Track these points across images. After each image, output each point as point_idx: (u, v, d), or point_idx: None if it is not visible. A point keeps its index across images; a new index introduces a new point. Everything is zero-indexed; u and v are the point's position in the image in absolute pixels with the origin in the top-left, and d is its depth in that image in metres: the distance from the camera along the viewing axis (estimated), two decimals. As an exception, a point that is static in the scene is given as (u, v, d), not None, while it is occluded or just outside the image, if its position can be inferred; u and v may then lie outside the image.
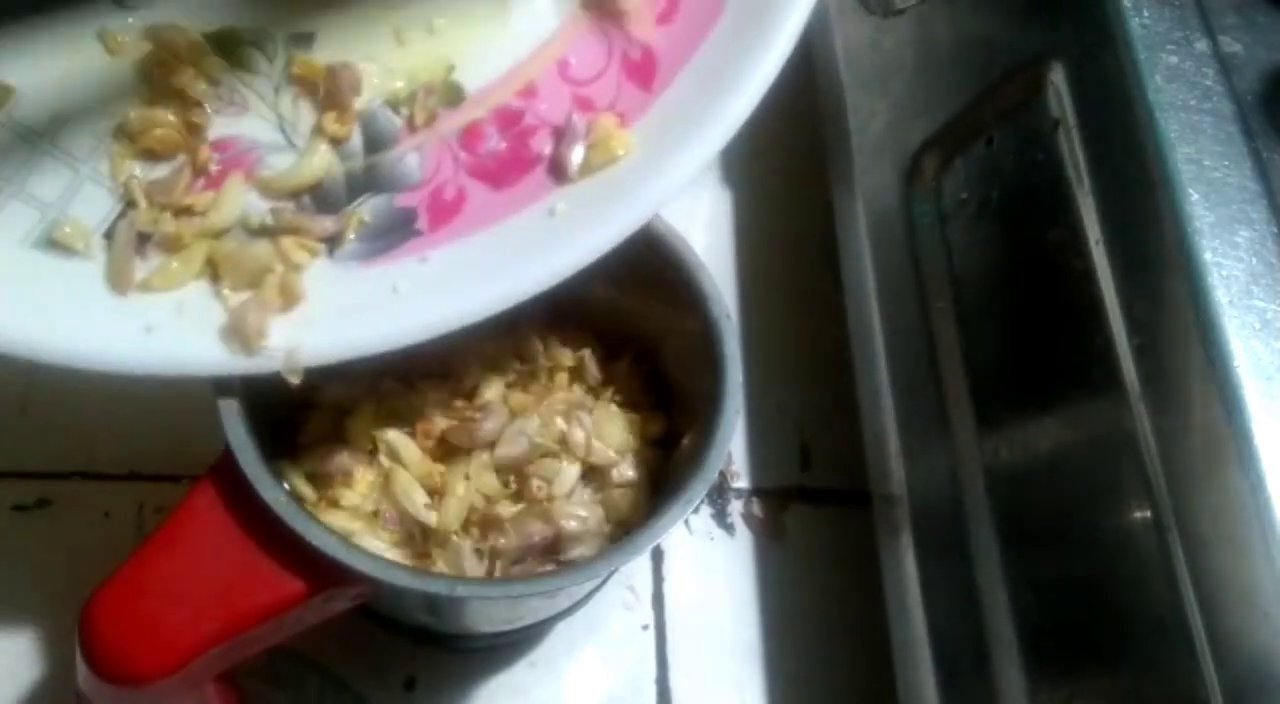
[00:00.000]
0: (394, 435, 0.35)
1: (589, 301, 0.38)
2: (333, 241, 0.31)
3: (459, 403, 0.36)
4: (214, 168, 0.31)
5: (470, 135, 0.32)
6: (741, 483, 0.45)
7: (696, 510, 0.44)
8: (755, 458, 0.46)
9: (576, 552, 0.35)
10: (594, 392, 0.38)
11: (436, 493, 0.35)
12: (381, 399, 0.36)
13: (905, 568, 0.37)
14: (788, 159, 0.52)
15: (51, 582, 0.40)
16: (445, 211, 0.32)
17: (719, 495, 0.45)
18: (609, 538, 0.35)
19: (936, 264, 0.40)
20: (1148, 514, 0.30)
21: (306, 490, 0.34)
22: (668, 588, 0.43)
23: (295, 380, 0.30)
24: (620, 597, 0.43)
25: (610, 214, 0.30)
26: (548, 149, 0.32)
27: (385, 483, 0.35)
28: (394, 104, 0.32)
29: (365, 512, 0.34)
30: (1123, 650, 0.31)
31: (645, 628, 0.42)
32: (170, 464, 0.42)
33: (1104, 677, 0.31)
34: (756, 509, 0.45)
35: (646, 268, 0.35)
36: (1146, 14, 0.33)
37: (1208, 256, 0.30)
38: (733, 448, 0.45)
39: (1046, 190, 0.35)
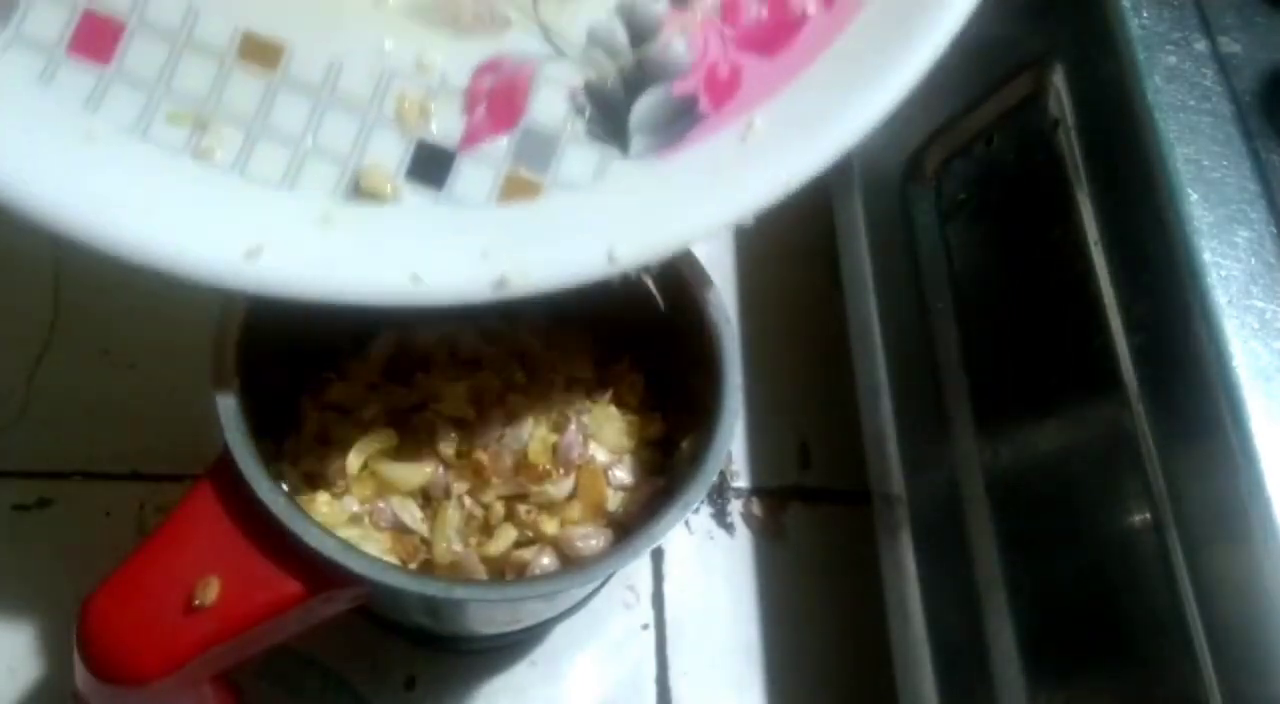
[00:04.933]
0: (386, 439, 0.35)
1: (588, 304, 0.38)
2: (621, 142, 0.32)
3: (458, 406, 0.36)
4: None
5: (730, 9, 0.32)
6: (741, 482, 0.45)
7: (696, 510, 0.44)
8: (755, 457, 0.46)
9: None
10: (593, 393, 0.38)
11: (434, 499, 0.35)
12: (379, 401, 0.36)
13: (905, 568, 0.37)
14: (788, 159, 0.52)
15: (51, 582, 0.40)
16: (724, 89, 0.32)
17: (719, 495, 0.45)
18: (609, 540, 0.35)
19: (936, 264, 0.40)
20: (1147, 515, 0.30)
21: (305, 491, 0.34)
22: (668, 588, 0.43)
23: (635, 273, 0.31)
24: (620, 597, 0.43)
25: (910, 33, 0.30)
26: (811, 7, 0.31)
27: (381, 488, 0.35)
28: None
29: (363, 513, 0.34)
30: (1122, 651, 0.31)
31: (645, 628, 0.42)
32: (170, 464, 0.42)
33: (1103, 677, 0.31)
34: (756, 509, 0.45)
35: (645, 269, 0.35)
36: (1146, 14, 0.33)
37: (1207, 257, 0.30)
38: (732, 447, 0.45)
39: (1046, 190, 0.35)
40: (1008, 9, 0.39)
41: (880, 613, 0.39)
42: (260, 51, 0.30)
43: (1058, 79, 0.35)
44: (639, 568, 0.43)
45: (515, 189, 0.31)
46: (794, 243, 0.50)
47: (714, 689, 0.41)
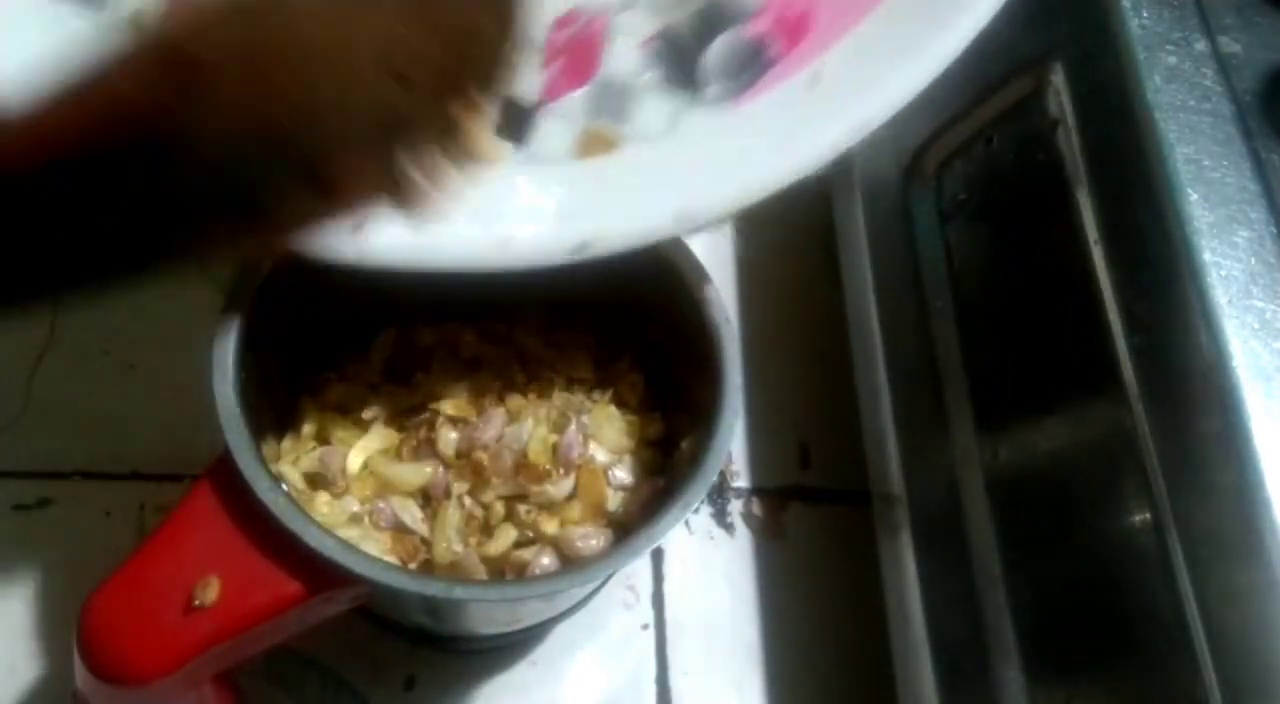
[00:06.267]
0: (386, 439, 0.35)
1: (588, 304, 0.38)
2: (693, 90, 0.31)
3: (458, 405, 0.36)
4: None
5: None
6: (741, 482, 0.45)
7: (696, 510, 0.44)
8: (755, 457, 0.46)
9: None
10: (592, 393, 0.38)
11: (434, 499, 0.35)
12: (379, 401, 0.36)
13: (905, 567, 0.37)
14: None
15: (51, 582, 0.40)
16: (795, 30, 0.31)
17: (719, 495, 0.45)
18: (609, 540, 0.35)
19: (936, 263, 0.40)
20: (1147, 514, 0.30)
21: (305, 491, 0.34)
22: (668, 588, 0.43)
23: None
24: (620, 596, 0.43)
25: None
26: None
27: (381, 488, 0.35)
28: None
29: (363, 513, 0.34)
30: (1122, 650, 0.31)
31: (645, 628, 0.42)
32: (170, 464, 0.42)
33: (1103, 677, 0.31)
34: (756, 509, 0.45)
35: (645, 270, 0.35)
36: (1146, 14, 0.33)
37: (1207, 257, 0.30)
38: (732, 447, 0.45)
39: (1046, 190, 0.35)
40: (1008, 9, 0.39)
41: (880, 613, 0.39)
42: None
43: (1058, 79, 0.35)
44: (639, 568, 0.43)
45: (593, 143, 0.31)
46: (794, 243, 0.50)
47: (714, 689, 0.41)
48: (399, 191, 0.28)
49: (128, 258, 0.27)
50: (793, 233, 0.51)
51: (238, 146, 0.26)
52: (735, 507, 0.45)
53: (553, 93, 0.31)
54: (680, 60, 0.31)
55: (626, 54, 0.31)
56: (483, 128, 0.29)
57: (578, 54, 0.31)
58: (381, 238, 0.29)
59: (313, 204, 0.28)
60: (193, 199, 0.26)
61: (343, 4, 0.26)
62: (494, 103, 0.30)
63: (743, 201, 0.30)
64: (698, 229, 0.30)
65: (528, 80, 0.31)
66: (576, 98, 0.31)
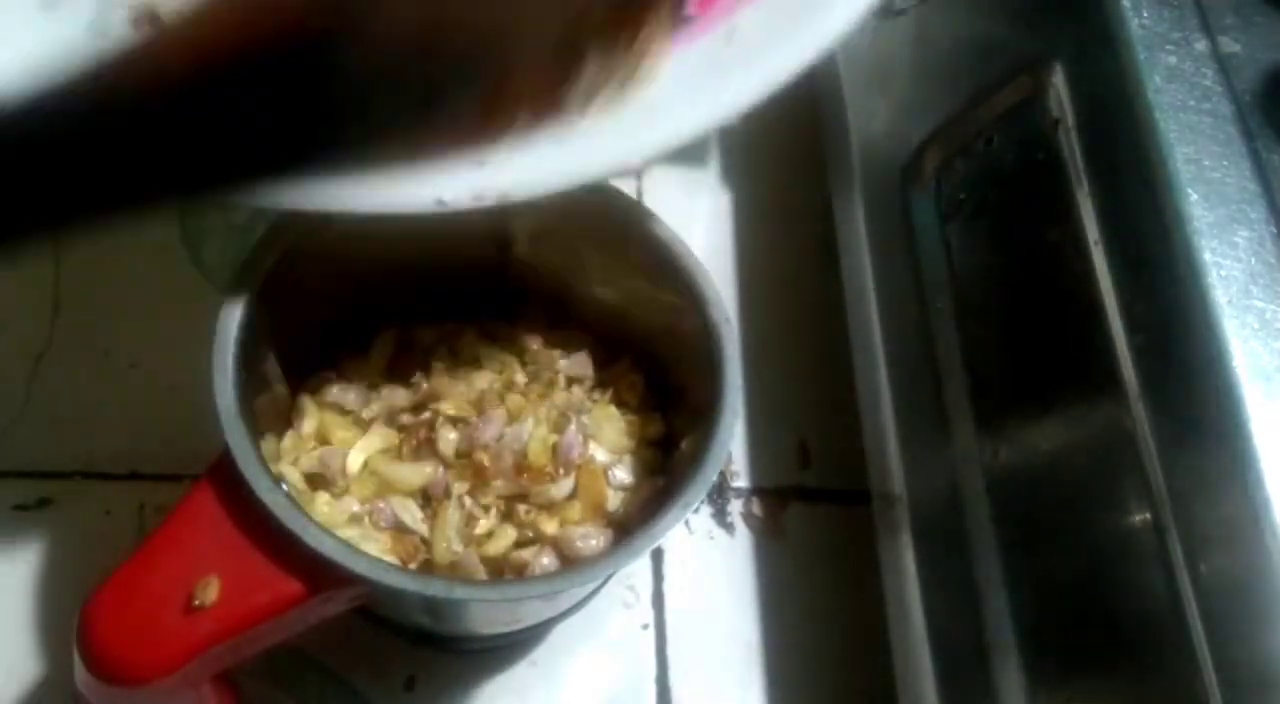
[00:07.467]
0: (386, 439, 0.35)
1: (588, 303, 0.38)
2: None
3: (458, 405, 0.36)
4: None
5: None
6: (741, 482, 0.45)
7: (696, 510, 0.44)
8: (755, 457, 0.46)
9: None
10: (592, 393, 0.38)
11: (434, 499, 0.35)
12: (380, 401, 0.36)
13: (905, 567, 0.37)
14: (788, 159, 0.52)
15: (51, 582, 0.40)
16: None
17: (719, 495, 0.45)
18: (609, 540, 0.35)
19: (936, 264, 0.40)
20: (1147, 515, 0.30)
21: (305, 491, 0.34)
22: (668, 587, 0.43)
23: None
24: (620, 596, 0.43)
25: None
26: None
27: (381, 488, 0.35)
28: None
29: (363, 513, 0.34)
30: (1122, 651, 0.31)
31: (645, 627, 0.42)
32: (170, 464, 0.42)
33: (1103, 677, 0.31)
34: (756, 508, 0.45)
35: (645, 270, 0.35)
36: (1146, 14, 0.33)
37: (1207, 256, 0.30)
38: (732, 447, 0.45)
39: (1046, 190, 0.35)
40: (1008, 9, 0.39)
41: (880, 613, 0.39)
42: None
43: (1058, 79, 0.35)
44: (639, 568, 0.43)
45: None
46: (794, 243, 0.50)
47: (714, 689, 0.41)
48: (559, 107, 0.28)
49: (275, 163, 0.27)
50: (793, 233, 0.51)
51: (404, 56, 0.25)
52: (735, 507, 0.45)
53: None
54: None
55: None
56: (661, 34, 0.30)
57: None
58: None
59: (475, 119, 0.28)
60: (352, 104, 0.26)
61: None
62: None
63: (666, 148, 0.31)
64: (625, 173, 0.31)
65: None
66: None
